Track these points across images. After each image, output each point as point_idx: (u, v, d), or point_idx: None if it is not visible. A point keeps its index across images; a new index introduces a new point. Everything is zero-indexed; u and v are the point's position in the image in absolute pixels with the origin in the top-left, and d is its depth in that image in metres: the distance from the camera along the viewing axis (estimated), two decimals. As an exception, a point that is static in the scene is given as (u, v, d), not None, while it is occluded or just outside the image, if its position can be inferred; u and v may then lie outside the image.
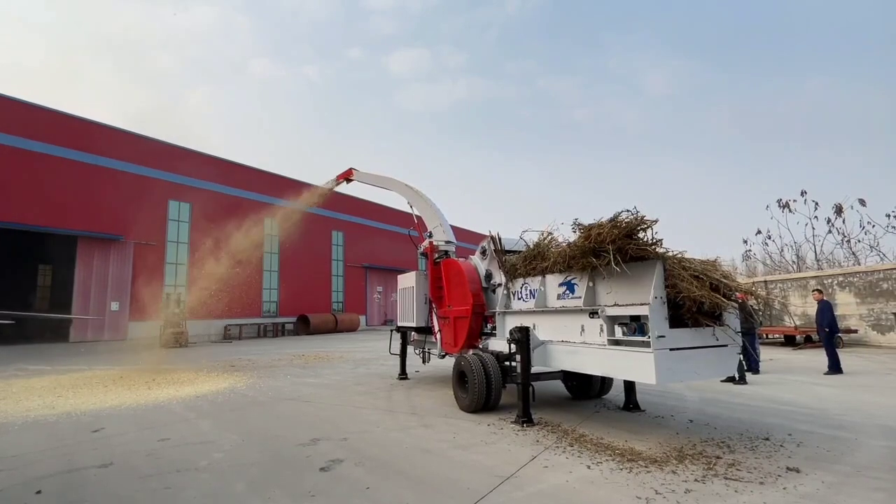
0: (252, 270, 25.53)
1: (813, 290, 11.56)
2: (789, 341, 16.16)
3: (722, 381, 8.47)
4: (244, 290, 24.23)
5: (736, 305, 5.00)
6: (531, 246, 6.78)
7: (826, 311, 10.27)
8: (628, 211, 5.03)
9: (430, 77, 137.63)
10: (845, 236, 28.29)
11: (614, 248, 4.85)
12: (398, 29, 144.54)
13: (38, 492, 3.85)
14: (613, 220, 5.05)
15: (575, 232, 5.57)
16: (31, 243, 22.66)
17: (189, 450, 4.91)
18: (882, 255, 26.57)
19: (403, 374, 9.62)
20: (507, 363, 6.37)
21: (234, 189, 27.02)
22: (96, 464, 4.51)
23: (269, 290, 28.39)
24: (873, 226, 26.95)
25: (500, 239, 7.31)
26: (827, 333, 10.04)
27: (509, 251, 7.30)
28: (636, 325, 4.85)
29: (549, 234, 6.49)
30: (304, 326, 27.02)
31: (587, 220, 5.39)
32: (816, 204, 29.21)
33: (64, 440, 5.37)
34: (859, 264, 25.47)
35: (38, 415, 6.62)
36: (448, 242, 8.97)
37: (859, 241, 27.78)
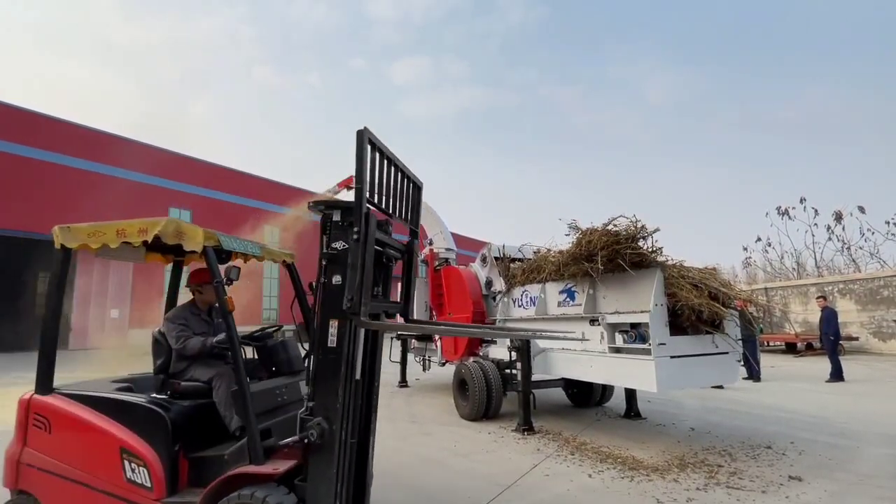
0: (252, 277, 25.55)
1: (817, 298, 11.53)
2: (790, 349, 16.12)
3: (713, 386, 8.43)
4: (244, 297, 24.23)
5: (735, 313, 5.01)
6: (530, 257, 6.88)
7: (831, 318, 10.26)
8: (625, 217, 5.07)
9: (433, 85, 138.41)
10: (845, 243, 28.26)
11: (605, 253, 4.89)
12: (401, 38, 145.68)
13: None
14: (605, 226, 5.11)
15: (569, 235, 5.63)
16: (31, 251, 22.70)
17: (188, 458, 4.88)
18: (882, 263, 26.52)
19: (403, 382, 9.59)
20: (508, 371, 6.36)
21: (234, 196, 27.11)
22: (95, 472, 4.48)
23: (269, 298, 28.36)
24: (873, 233, 26.93)
25: (508, 257, 7.39)
26: (832, 341, 10.02)
27: (514, 259, 7.37)
28: (637, 332, 4.86)
29: (549, 249, 6.59)
30: (304, 333, 26.96)
31: (586, 223, 5.46)
32: (816, 211, 29.21)
33: (63, 448, 5.34)
34: (860, 271, 25.44)
35: (37, 423, 6.59)
36: (448, 250, 8.99)
37: (859, 248, 27.76)
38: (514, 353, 6.04)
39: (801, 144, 63.65)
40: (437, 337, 8.43)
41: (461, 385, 6.68)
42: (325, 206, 2.51)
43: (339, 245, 2.43)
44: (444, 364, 8.40)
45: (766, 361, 11.63)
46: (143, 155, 23.31)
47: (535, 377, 6.10)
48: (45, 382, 2.92)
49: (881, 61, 57.14)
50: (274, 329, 3.47)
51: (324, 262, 2.44)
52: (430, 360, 9.17)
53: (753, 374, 9.68)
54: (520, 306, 6.69)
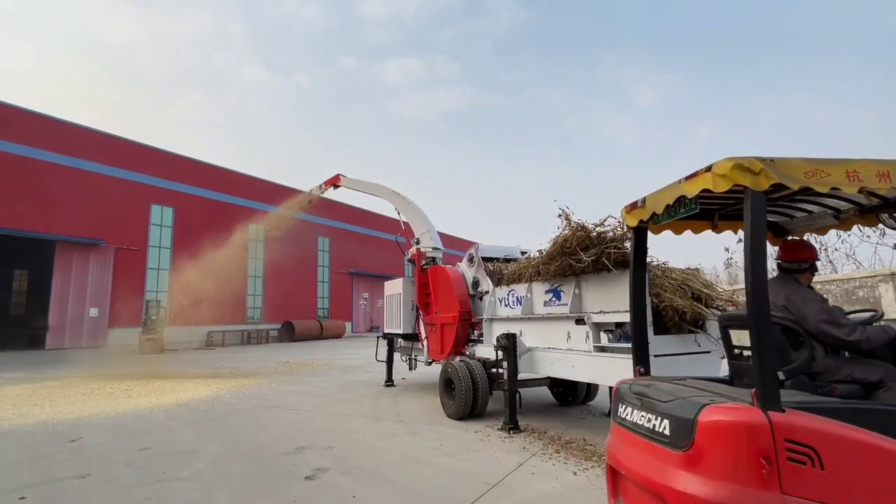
0: (236, 276, 25.22)
1: None
2: (769, 348, 16.49)
3: None
4: (227, 296, 23.92)
5: (717, 313, 5.10)
6: (517, 257, 6.99)
7: None
8: (614, 217, 5.15)
9: (424, 86, 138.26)
10: (822, 245, 28.91)
11: (594, 251, 4.98)
12: (392, 38, 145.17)
13: (22, 498, 3.79)
14: (580, 226, 5.29)
15: (560, 216, 5.71)
16: (6, 247, 22.10)
17: (171, 459, 4.82)
18: (858, 264, 27.16)
19: (390, 382, 9.57)
20: (494, 370, 6.39)
21: (219, 194, 26.73)
22: (74, 474, 4.40)
23: (254, 297, 28.05)
24: (850, 235, 27.67)
25: (499, 258, 7.49)
26: None
27: (507, 259, 7.46)
28: (621, 331, 4.92)
29: (530, 255, 6.71)
30: (289, 333, 26.74)
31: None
32: (795, 213, 29.85)
33: (40, 450, 5.22)
34: (836, 272, 26.06)
35: (13, 424, 6.43)
36: (435, 249, 9.00)
37: (836, 249, 28.42)
38: (500, 353, 6.07)
39: (787, 146, 65.01)
40: (423, 336, 8.43)
41: (447, 384, 6.69)
42: None
43: None
44: (430, 363, 8.41)
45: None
46: (126, 150, 22.86)
47: (521, 376, 6.14)
48: (775, 395, 1.95)
49: (859, 67, 58.61)
50: (871, 314, 2.70)
51: None
52: (416, 360, 9.17)
53: (734, 372, 9.87)
54: (506, 305, 6.73)
